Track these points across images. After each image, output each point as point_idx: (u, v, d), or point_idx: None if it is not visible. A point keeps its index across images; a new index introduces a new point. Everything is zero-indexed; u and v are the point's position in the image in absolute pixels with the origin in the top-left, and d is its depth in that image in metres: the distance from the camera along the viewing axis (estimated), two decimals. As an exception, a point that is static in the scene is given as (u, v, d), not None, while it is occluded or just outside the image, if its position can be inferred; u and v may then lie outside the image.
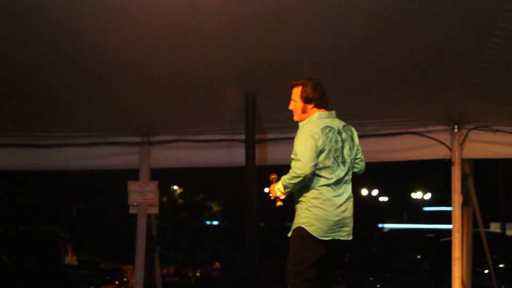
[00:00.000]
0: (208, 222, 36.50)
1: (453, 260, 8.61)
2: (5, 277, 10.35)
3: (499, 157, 9.67)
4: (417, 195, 38.62)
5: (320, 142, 5.27)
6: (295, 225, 5.39)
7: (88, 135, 9.54)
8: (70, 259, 13.77)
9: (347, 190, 5.40)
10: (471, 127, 8.73)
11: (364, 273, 13.03)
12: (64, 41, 7.08)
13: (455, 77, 7.67)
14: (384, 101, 8.33)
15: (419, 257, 13.76)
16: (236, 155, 9.15)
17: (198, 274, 26.12)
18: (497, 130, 8.70)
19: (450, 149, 8.75)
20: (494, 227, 25.23)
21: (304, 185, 5.31)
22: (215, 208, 35.73)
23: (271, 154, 9.23)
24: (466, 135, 8.73)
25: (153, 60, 7.51)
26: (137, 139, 9.57)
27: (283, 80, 7.77)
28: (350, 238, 5.40)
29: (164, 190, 29.41)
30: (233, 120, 8.84)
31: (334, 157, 5.33)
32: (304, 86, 5.43)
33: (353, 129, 5.54)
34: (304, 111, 5.44)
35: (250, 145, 8.35)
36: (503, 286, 11.36)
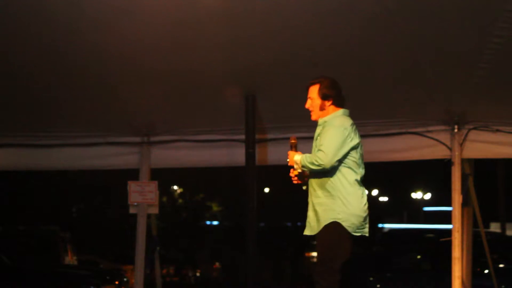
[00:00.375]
0: (208, 222, 36.51)
1: (453, 260, 8.61)
2: (5, 277, 10.34)
3: (499, 157, 9.66)
4: (417, 195, 38.62)
5: (351, 138, 5.37)
6: (327, 220, 5.35)
7: (88, 135, 9.53)
8: (70, 259, 13.76)
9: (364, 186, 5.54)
10: (471, 127, 8.72)
11: (364, 273, 13.03)
12: (64, 41, 7.08)
13: (455, 77, 7.67)
14: (384, 101, 8.33)
15: (419, 257, 13.75)
16: (236, 155, 9.15)
17: (198, 274, 26.14)
18: (497, 130, 8.70)
19: (450, 149, 8.75)
20: (494, 227, 25.23)
21: (338, 180, 5.35)
22: (215, 208, 35.72)
23: (271, 154, 9.23)
24: (466, 135, 8.72)
25: (153, 60, 7.50)
26: (137, 139, 9.57)
27: (283, 80, 7.82)
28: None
29: (164, 190, 29.42)
30: (233, 120, 8.84)
31: (360, 154, 5.46)
32: (322, 83, 5.53)
33: None
34: (322, 108, 5.52)
35: (250, 145, 8.35)
36: (503, 286, 11.35)
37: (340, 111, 5.53)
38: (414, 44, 7.03)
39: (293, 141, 5.58)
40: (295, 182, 5.59)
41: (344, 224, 5.32)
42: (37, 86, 8.10)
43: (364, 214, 5.41)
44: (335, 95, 5.52)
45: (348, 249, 5.35)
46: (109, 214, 27.00)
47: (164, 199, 30.65)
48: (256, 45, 7.14)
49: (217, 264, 27.09)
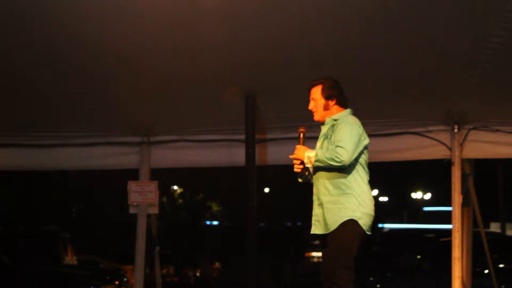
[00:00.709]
0: (208, 222, 36.52)
1: (453, 260, 8.61)
2: (5, 277, 10.34)
3: (499, 157, 9.66)
4: (417, 195, 38.61)
5: (364, 137, 5.40)
6: (343, 218, 5.27)
7: (88, 135, 9.53)
8: (70, 259, 13.75)
9: None
10: (471, 127, 8.72)
11: (364, 273, 13.03)
12: (64, 41, 7.08)
13: (455, 77, 7.67)
14: (384, 101, 8.33)
15: (419, 257, 13.76)
16: (236, 155, 9.15)
17: (198, 274, 26.12)
18: (497, 130, 8.70)
19: (450, 149, 8.75)
20: (494, 227, 25.23)
21: (353, 178, 5.33)
22: (215, 208, 35.75)
23: (271, 154, 9.23)
24: (466, 135, 8.73)
25: (153, 60, 7.50)
26: (137, 139, 9.57)
27: (283, 80, 7.82)
28: None
29: (164, 190, 29.42)
30: (233, 120, 8.84)
31: (367, 153, 5.47)
32: (324, 84, 5.52)
33: None
34: (326, 108, 5.51)
35: (250, 145, 8.35)
36: (503, 286, 11.36)
37: (348, 110, 5.53)
38: (414, 44, 7.03)
39: (302, 129, 5.50)
40: (296, 170, 5.47)
41: (361, 222, 5.27)
42: (37, 86, 8.10)
43: (374, 214, 5.39)
44: (338, 95, 5.51)
45: (359, 248, 5.32)
46: (109, 213, 26.95)
47: (164, 199, 30.66)
48: (256, 45, 7.14)
49: (217, 264, 27.06)
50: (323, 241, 5.43)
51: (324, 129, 5.53)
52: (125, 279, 12.58)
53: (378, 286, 13.08)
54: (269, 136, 9.22)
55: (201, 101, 8.46)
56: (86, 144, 9.63)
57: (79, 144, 9.63)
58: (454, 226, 8.65)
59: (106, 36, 6.98)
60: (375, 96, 8.13)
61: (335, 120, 5.47)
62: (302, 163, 5.43)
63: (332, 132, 5.42)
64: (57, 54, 7.34)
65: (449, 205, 8.79)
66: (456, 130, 8.70)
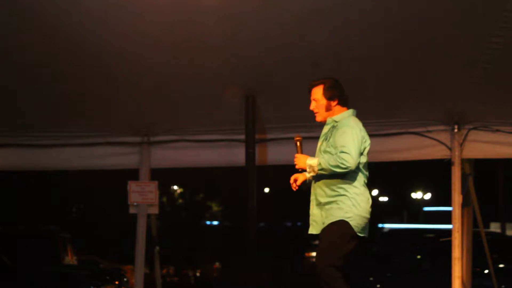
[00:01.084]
0: (208, 222, 36.52)
1: (453, 260, 8.61)
2: (5, 277, 10.34)
3: (499, 157, 9.67)
4: (417, 195, 38.60)
5: (365, 139, 5.39)
6: (335, 218, 5.31)
7: (88, 135, 9.53)
8: (70, 259, 13.75)
9: None
10: (471, 127, 8.72)
11: (364, 273, 13.03)
12: (64, 41, 7.08)
13: (455, 77, 7.67)
14: (384, 101, 8.33)
15: (419, 257, 13.77)
16: (236, 155, 9.15)
17: (198, 274, 26.11)
18: (497, 130, 8.70)
19: (450, 149, 8.75)
20: (494, 227, 25.24)
21: (349, 180, 5.33)
22: (215, 208, 35.75)
23: (271, 154, 9.23)
24: (466, 135, 8.72)
25: (153, 60, 7.50)
26: (137, 139, 9.56)
27: (283, 80, 7.82)
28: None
29: (164, 190, 29.42)
30: (233, 120, 8.84)
31: (367, 155, 5.45)
32: (325, 84, 5.49)
33: None
34: (328, 108, 5.48)
35: (250, 145, 8.35)
36: (503, 286, 11.36)
37: (350, 111, 5.51)
38: (414, 44, 7.03)
39: (298, 138, 5.50)
40: (295, 189, 5.52)
41: (352, 223, 5.29)
42: (37, 86, 8.10)
43: (368, 216, 5.40)
44: (340, 95, 5.49)
45: (351, 249, 5.33)
46: (109, 213, 26.96)
47: (164, 199, 30.66)
48: (256, 45, 7.14)
49: (217, 264, 27.05)
50: None
51: (325, 129, 5.53)
52: (125, 279, 12.58)
53: (378, 286, 13.09)
54: (269, 136, 9.21)
55: (201, 101, 8.46)
56: (86, 144, 9.63)
57: (79, 144, 9.62)
58: (454, 226, 8.64)
59: (106, 36, 6.98)
60: (375, 96, 8.13)
61: (336, 121, 5.46)
62: (304, 171, 5.44)
63: (332, 134, 5.41)
64: (57, 54, 7.34)
65: (449, 205, 8.79)
66: (456, 130, 8.69)
